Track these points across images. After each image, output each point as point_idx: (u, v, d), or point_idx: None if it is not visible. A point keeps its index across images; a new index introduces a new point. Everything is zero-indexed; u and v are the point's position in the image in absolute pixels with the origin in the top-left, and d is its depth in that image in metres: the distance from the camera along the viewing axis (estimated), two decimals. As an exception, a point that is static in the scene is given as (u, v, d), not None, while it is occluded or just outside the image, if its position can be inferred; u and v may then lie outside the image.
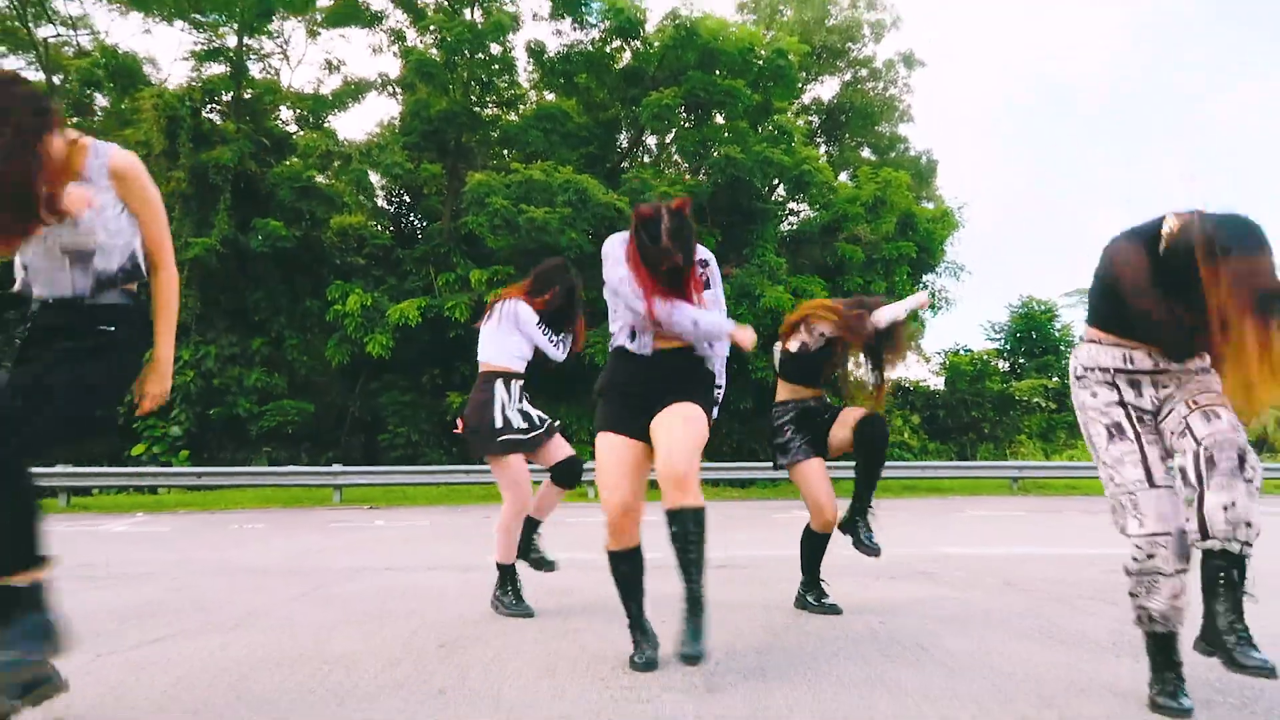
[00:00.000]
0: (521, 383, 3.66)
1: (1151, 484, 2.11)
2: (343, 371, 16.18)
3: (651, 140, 19.43)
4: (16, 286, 2.15)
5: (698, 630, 2.45)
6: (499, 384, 3.58)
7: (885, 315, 3.52)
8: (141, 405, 2.27)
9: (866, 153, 23.40)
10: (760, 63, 17.07)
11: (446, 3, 17.50)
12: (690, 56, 16.35)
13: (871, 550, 3.58)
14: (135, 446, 14.37)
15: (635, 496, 2.62)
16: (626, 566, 2.67)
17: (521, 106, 19.18)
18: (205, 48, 17.26)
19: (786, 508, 10.37)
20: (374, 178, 17.75)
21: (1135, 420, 2.19)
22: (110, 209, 2.10)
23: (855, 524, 3.61)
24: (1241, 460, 1.99)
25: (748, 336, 2.73)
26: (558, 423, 3.85)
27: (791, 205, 19.58)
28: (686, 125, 17.37)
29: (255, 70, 18.42)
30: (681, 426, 2.54)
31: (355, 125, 68.46)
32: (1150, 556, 2.09)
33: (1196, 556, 2.12)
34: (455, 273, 15.80)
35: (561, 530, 7.02)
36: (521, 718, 2.14)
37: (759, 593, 4.05)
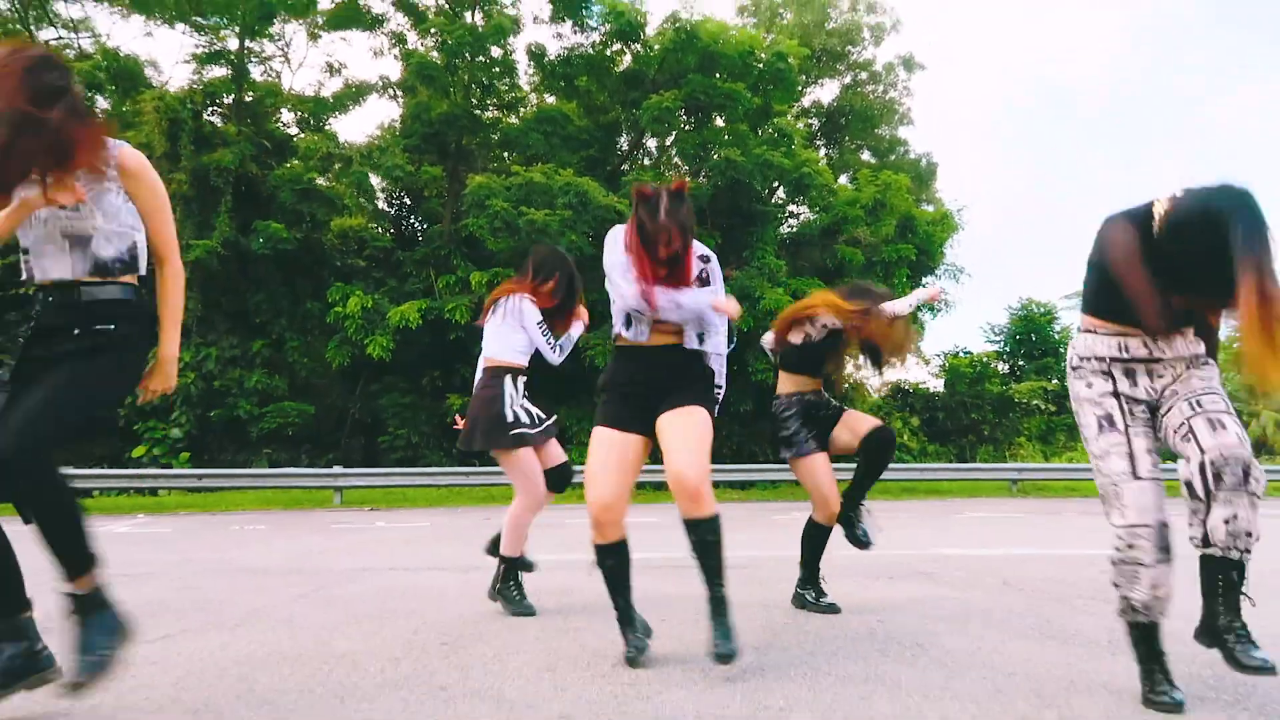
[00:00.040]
0: (525, 379, 3.69)
1: (1135, 476, 2.14)
2: (343, 373, 16.20)
3: (652, 143, 19.48)
4: (24, 275, 2.19)
5: (727, 630, 2.52)
6: (507, 379, 3.60)
7: (891, 310, 3.50)
8: (142, 396, 2.29)
9: (866, 155, 23.46)
10: (760, 66, 17.12)
11: (447, 6, 17.55)
12: (690, 59, 16.39)
13: (863, 544, 3.64)
14: (136, 448, 14.39)
15: (619, 493, 2.64)
16: (612, 560, 2.70)
17: (522, 109, 19.22)
18: (206, 50, 17.30)
19: (786, 509, 10.39)
20: (375, 180, 17.78)
21: (1126, 412, 2.22)
22: (112, 198, 2.15)
23: (849, 517, 3.65)
24: (1246, 474, 2.02)
25: (732, 306, 2.75)
26: (554, 419, 3.86)
27: (791, 208, 19.63)
28: (687, 128, 17.42)
29: (256, 73, 18.48)
30: (690, 435, 2.57)
31: (356, 128, 68.64)
32: (1130, 547, 2.13)
33: (1187, 550, 2.14)
34: (455, 275, 15.83)
35: (561, 532, 7.03)
36: (523, 715, 2.15)
37: (758, 592, 4.07)
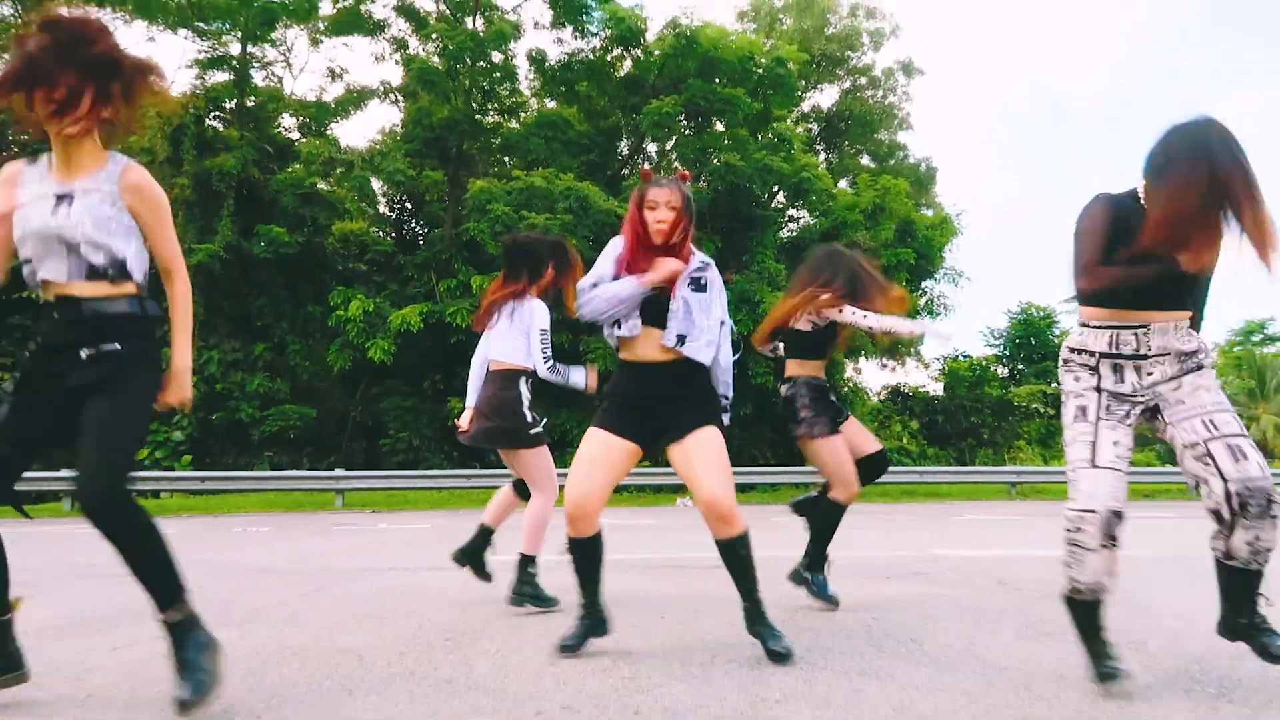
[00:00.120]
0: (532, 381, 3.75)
1: (1093, 464, 2.23)
2: (344, 377, 16.26)
3: (652, 148, 19.57)
4: (28, 281, 2.21)
5: (773, 631, 2.70)
6: (522, 381, 3.67)
7: (887, 325, 3.52)
8: (162, 407, 2.30)
9: (866, 160, 23.56)
10: (760, 71, 17.21)
11: (448, 11, 17.65)
12: (690, 65, 16.49)
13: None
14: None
15: (598, 491, 2.71)
16: (581, 553, 2.79)
17: (523, 114, 19.33)
18: (209, 55, 17.40)
19: (786, 511, 10.42)
20: (376, 184, 17.90)
21: (1102, 406, 2.30)
22: (106, 210, 2.16)
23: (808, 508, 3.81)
24: (1269, 503, 2.13)
25: (669, 265, 2.71)
26: (545, 421, 3.92)
27: (791, 212, 19.73)
28: (687, 133, 17.52)
29: (258, 78, 18.60)
30: (713, 460, 2.65)
31: (357, 132, 68.66)
32: (1078, 530, 2.23)
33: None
34: (457, 279, 15.91)
35: (560, 533, 7.08)
36: (527, 706, 2.21)
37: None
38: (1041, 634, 3.11)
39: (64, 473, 11.59)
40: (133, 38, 16.95)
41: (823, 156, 22.70)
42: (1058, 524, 2.33)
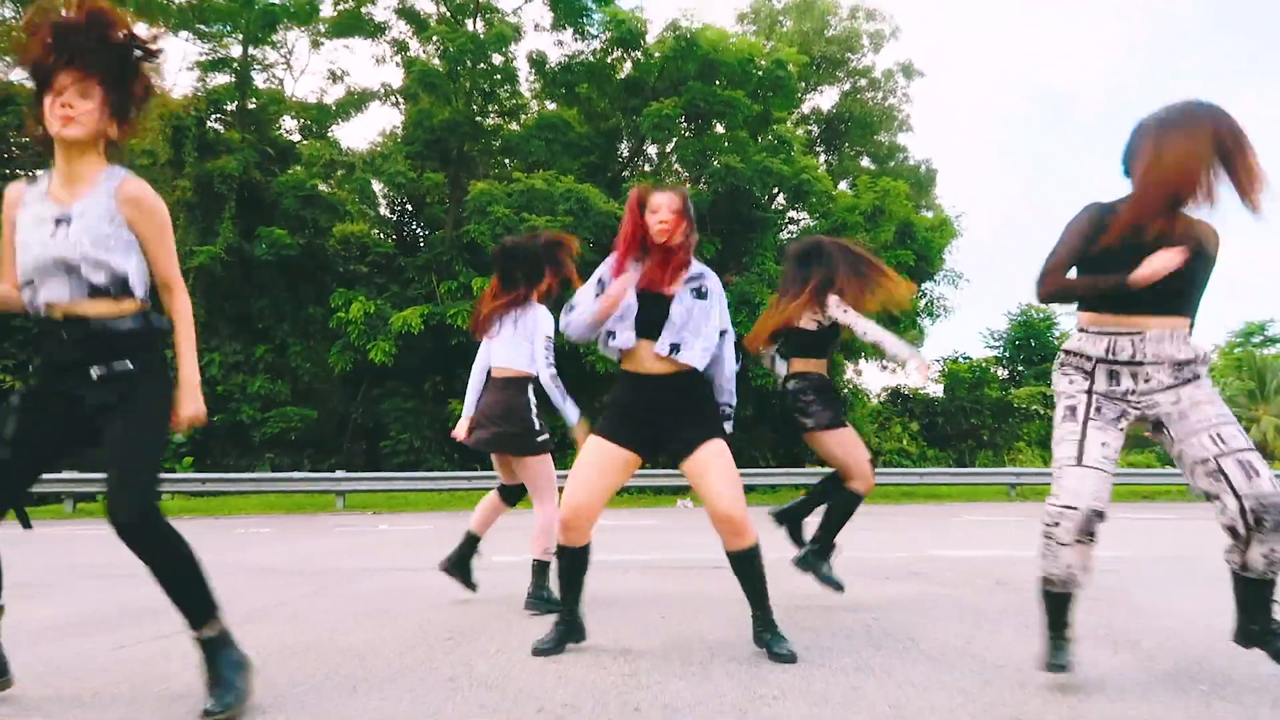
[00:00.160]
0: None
1: (1078, 462, 2.28)
2: (345, 378, 16.30)
3: (652, 149, 19.63)
4: (29, 307, 2.19)
5: (778, 635, 2.75)
6: (530, 388, 3.70)
7: (873, 335, 3.55)
8: (178, 427, 2.28)
9: (866, 162, 23.60)
10: (760, 73, 17.26)
11: (449, 13, 17.70)
12: (690, 67, 16.54)
13: (800, 544, 3.90)
14: (139, 453, 14.46)
15: (593, 502, 2.76)
16: (569, 562, 2.85)
17: (523, 116, 19.38)
18: (210, 58, 17.46)
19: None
20: (377, 186, 17.94)
21: (1093, 408, 2.34)
22: (105, 227, 2.13)
23: (795, 524, 3.91)
24: None
25: (620, 281, 2.76)
26: None
27: (791, 214, 19.77)
28: (687, 135, 17.56)
29: (259, 80, 18.67)
30: (724, 474, 2.72)
31: (358, 135, 68.74)
32: (1056, 525, 2.27)
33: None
34: (457, 281, 15.95)
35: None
36: (528, 703, 2.24)
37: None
38: (1039, 634, 3.13)
39: (66, 474, 11.63)
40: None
41: (823, 158, 22.75)
42: (1052, 523, 2.35)
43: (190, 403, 2.25)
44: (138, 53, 2.18)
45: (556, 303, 3.91)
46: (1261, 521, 2.16)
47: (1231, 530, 2.22)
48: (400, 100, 19.49)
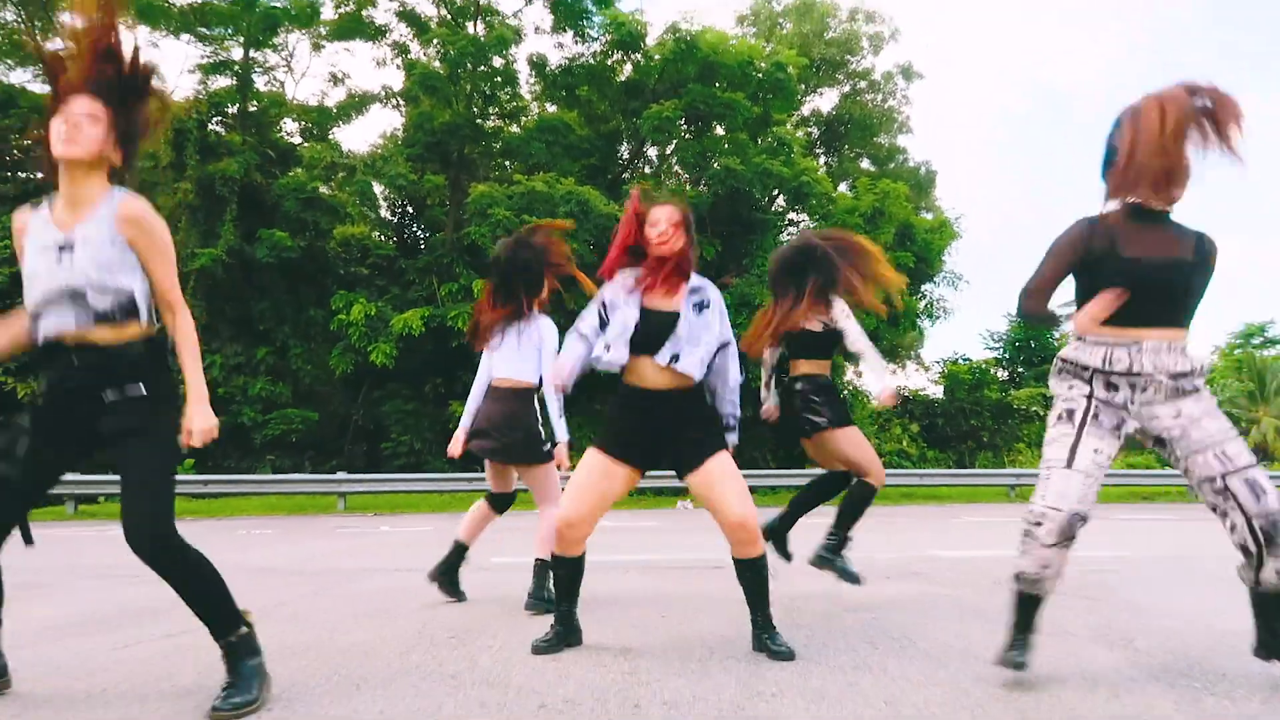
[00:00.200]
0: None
1: (1068, 465, 2.30)
2: (346, 380, 16.33)
3: (652, 152, 19.66)
4: (34, 338, 2.19)
5: (776, 635, 2.80)
6: (535, 399, 3.75)
7: (863, 352, 3.61)
8: (190, 442, 2.27)
9: (865, 164, 23.63)
10: (760, 75, 17.31)
11: (450, 16, 17.75)
12: (690, 69, 16.58)
13: (786, 556, 3.97)
14: (141, 455, 14.48)
15: (589, 516, 2.82)
16: (564, 570, 2.93)
17: (524, 118, 19.42)
18: (211, 61, 17.52)
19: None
20: (377, 189, 17.98)
21: (1089, 412, 2.35)
22: (109, 250, 2.14)
23: (783, 537, 3.95)
24: None
25: (556, 375, 2.85)
26: None
27: (791, 216, 19.78)
28: (687, 137, 17.60)
29: (261, 83, 18.72)
30: (733, 485, 2.77)
31: (359, 137, 68.79)
32: (1037, 524, 2.29)
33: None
34: (458, 283, 15.98)
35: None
36: (529, 700, 2.27)
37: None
38: (1035, 632, 3.15)
39: (68, 476, 11.65)
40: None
41: (822, 160, 22.79)
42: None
43: (201, 416, 2.24)
44: (152, 84, 2.24)
45: (557, 303, 3.94)
46: (1273, 539, 2.19)
47: (1244, 549, 2.26)
48: (401, 103, 19.55)
